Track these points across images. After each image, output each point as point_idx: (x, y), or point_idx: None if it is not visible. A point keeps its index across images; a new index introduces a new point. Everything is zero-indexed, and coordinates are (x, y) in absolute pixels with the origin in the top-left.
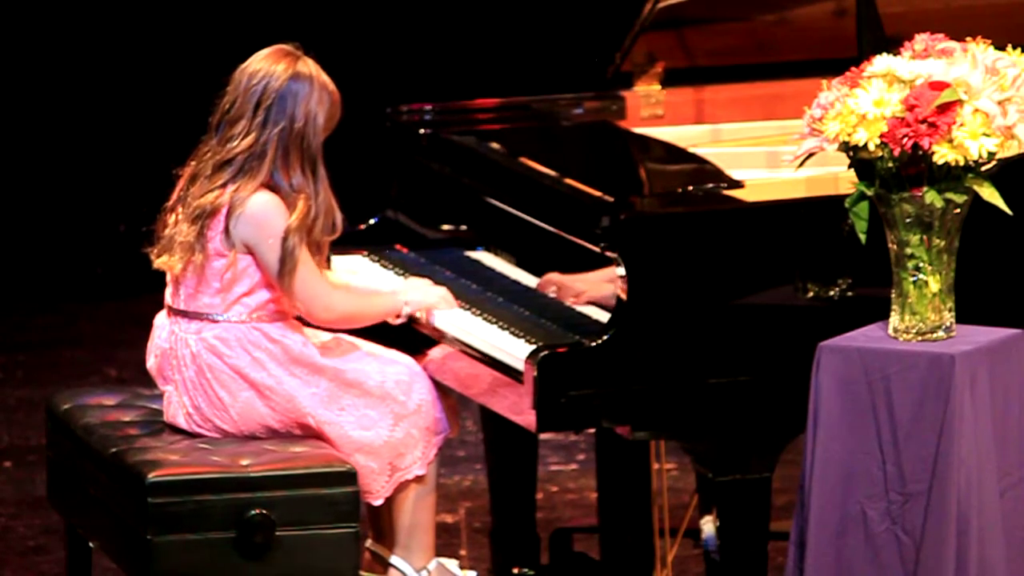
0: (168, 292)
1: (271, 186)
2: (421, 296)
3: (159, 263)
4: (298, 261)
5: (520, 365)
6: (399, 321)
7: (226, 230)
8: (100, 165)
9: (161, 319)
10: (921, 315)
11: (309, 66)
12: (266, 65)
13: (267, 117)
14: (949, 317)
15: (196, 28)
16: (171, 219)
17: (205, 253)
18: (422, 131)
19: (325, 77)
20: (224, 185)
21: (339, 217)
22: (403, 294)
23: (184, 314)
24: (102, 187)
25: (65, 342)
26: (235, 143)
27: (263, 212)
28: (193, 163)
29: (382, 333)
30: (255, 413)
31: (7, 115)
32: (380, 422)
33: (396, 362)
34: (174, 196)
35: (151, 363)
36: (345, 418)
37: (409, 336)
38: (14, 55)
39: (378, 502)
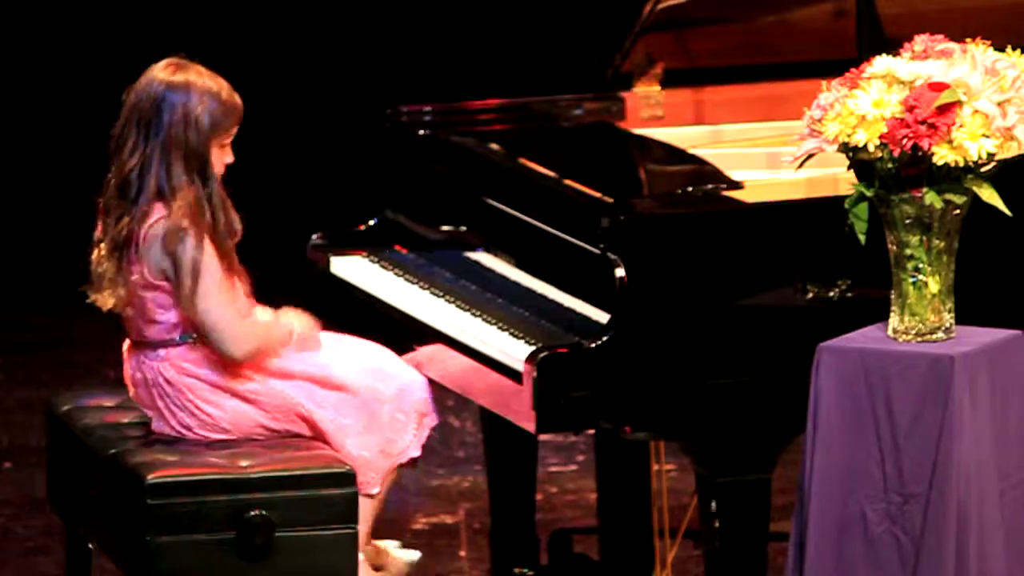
0: (125, 324)
1: (162, 196)
2: (298, 318)
3: (93, 299)
4: (201, 266)
5: (519, 366)
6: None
7: (142, 260)
8: (100, 165)
9: (127, 350)
10: (921, 316)
11: (187, 73)
12: (144, 83)
13: (148, 131)
14: (949, 318)
15: (197, 28)
16: (95, 255)
17: (130, 286)
18: (422, 132)
19: (207, 80)
20: (128, 212)
21: (235, 218)
22: (284, 317)
23: (145, 344)
24: (102, 186)
25: (65, 343)
26: (126, 162)
27: (164, 233)
28: (102, 198)
29: (376, 329)
30: (247, 419)
31: (7, 115)
32: (362, 410)
33: (366, 350)
34: (98, 230)
35: (131, 393)
36: (326, 413)
37: (398, 333)
38: (14, 55)
39: (374, 490)
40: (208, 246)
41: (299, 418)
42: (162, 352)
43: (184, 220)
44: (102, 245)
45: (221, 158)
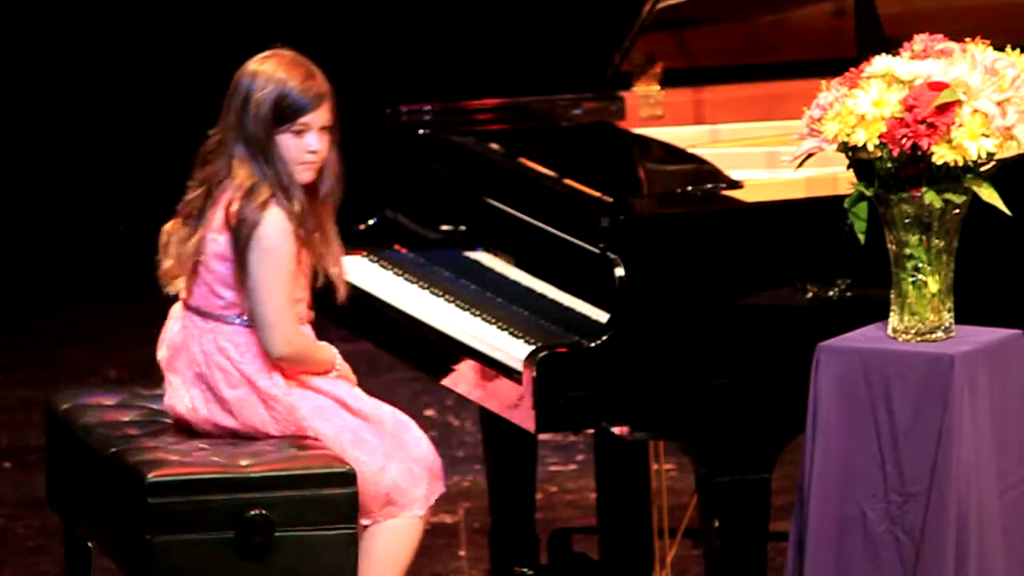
0: (183, 286)
1: (228, 175)
2: (345, 365)
3: (164, 267)
4: (258, 250)
5: (519, 365)
6: (332, 375)
7: (223, 232)
8: (100, 165)
9: (176, 311)
10: (920, 315)
11: (263, 62)
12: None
13: (224, 113)
14: (948, 317)
15: (196, 28)
16: (171, 223)
17: (205, 257)
18: (421, 131)
19: (279, 70)
20: (204, 185)
21: (305, 206)
22: (335, 355)
23: (198, 311)
24: (102, 187)
25: (65, 342)
26: (209, 140)
27: (235, 211)
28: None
29: (376, 329)
30: (257, 418)
31: (7, 115)
32: (377, 449)
33: (392, 406)
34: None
35: (161, 354)
36: (344, 436)
37: (398, 333)
38: (14, 55)
39: (366, 522)
40: (280, 234)
41: (306, 439)
42: (211, 324)
43: (252, 203)
44: (181, 211)
45: (298, 146)
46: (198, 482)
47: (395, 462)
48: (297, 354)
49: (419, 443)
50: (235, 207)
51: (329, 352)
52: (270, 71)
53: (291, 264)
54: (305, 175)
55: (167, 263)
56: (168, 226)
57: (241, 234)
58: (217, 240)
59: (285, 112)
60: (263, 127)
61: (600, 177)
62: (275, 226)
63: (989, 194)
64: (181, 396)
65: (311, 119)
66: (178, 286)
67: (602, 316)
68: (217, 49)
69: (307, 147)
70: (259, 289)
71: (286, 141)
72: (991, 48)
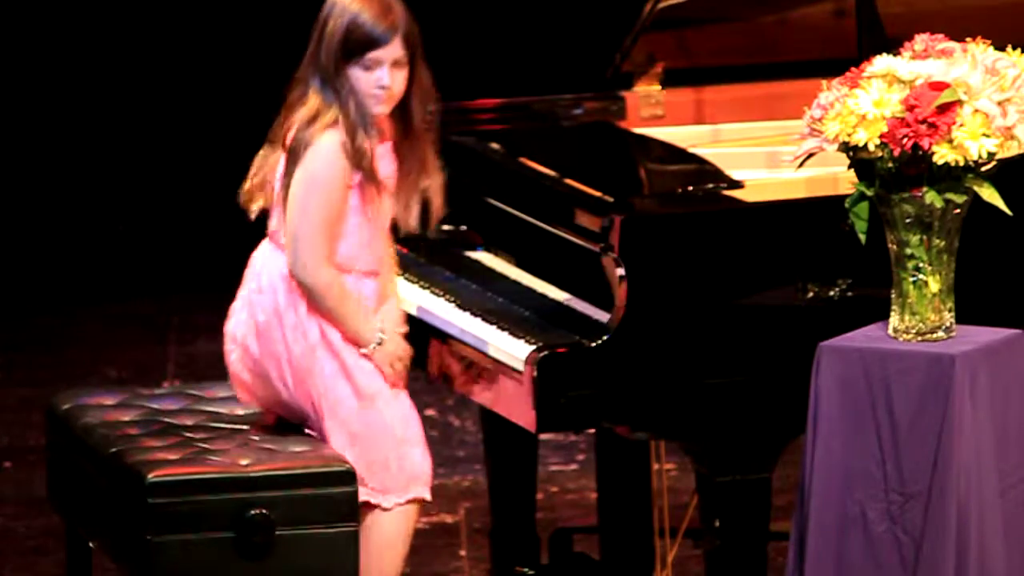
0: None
1: (303, 101)
2: (393, 348)
3: (245, 187)
4: (306, 174)
5: (519, 365)
6: (362, 351)
7: (281, 155)
8: (100, 165)
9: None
10: (921, 315)
11: None
12: None
13: (311, 47)
14: (949, 317)
15: (195, 28)
16: (264, 150)
17: (274, 182)
18: None
19: (355, 4)
20: (289, 111)
21: (373, 154)
22: (379, 329)
23: (269, 233)
24: (102, 187)
25: (65, 342)
26: (299, 68)
27: (295, 131)
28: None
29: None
30: (276, 344)
31: (7, 115)
32: (366, 427)
33: (405, 400)
34: None
35: (246, 271)
36: (331, 404)
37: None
38: (14, 55)
39: None
40: (330, 157)
41: (306, 392)
42: (270, 247)
43: (311, 127)
44: (268, 137)
45: (368, 80)
46: (198, 482)
47: (377, 450)
48: (319, 288)
49: (409, 444)
50: (294, 130)
51: (369, 322)
52: (347, 2)
53: (334, 192)
54: (378, 108)
55: (248, 183)
56: (260, 152)
57: (293, 155)
58: (279, 162)
59: (355, 44)
60: (333, 59)
61: (601, 177)
62: (327, 150)
63: (990, 194)
64: (236, 311)
65: (382, 53)
66: (255, 207)
67: (602, 316)
68: (216, 49)
69: (377, 82)
70: (294, 207)
71: (356, 74)
72: (992, 48)
